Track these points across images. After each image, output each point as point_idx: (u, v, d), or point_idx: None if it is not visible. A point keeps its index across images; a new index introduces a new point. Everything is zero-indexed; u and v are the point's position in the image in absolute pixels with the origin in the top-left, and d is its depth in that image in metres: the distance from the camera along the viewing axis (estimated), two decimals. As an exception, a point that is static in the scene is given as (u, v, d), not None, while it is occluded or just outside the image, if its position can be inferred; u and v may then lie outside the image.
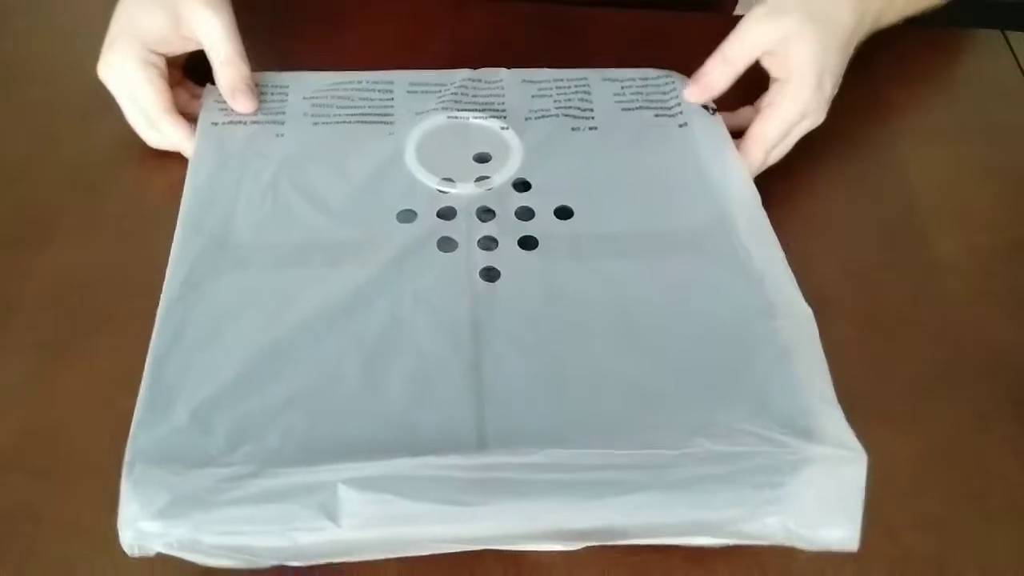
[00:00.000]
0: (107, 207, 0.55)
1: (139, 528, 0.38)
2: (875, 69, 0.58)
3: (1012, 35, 0.69)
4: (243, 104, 0.54)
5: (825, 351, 0.47)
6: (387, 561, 0.41)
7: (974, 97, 0.66)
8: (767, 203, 0.51)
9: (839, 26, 0.55)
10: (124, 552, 0.41)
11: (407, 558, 0.41)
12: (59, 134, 0.59)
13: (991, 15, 0.70)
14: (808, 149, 0.57)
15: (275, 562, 0.39)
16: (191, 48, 0.56)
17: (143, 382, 0.42)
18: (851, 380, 0.49)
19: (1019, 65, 0.67)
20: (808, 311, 0.45)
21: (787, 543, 0.40)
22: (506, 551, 0.41)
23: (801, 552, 0.41)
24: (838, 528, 0.40)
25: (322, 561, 0.40)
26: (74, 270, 0.51)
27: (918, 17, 0.63)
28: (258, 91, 0.55)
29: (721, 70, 0.55)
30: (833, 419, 0.41)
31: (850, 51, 0.57)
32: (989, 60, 0.68)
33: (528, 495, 0.39)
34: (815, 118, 0.56)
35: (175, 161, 0.55)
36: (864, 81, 0.58)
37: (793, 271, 0.47)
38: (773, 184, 0.54)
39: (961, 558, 0.43)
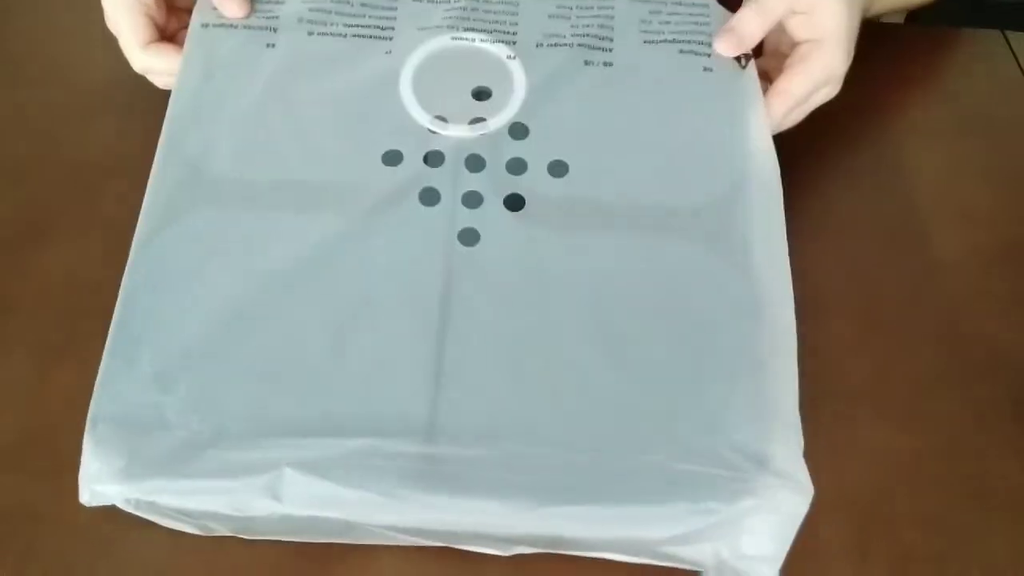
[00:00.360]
0: (107, 207, 0.55)
1: (95, 489, 0.40)
2: (875, 68, 0.58)
3: (1012, 35, 0.69)
4: (231, 8, 0.52)
5: (825, 350, 0.47)
6: (382, 556, 0.41)
7: (974, 97, 0.66)
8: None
9: None
10: (124, 552, 0.41)
11: (401, 553, 0.41)
12: (59, 134, 0.59)
13: (991, 15, 0.70)
14: (808, 148, 0.57)
15: (227, 532, 0.40)
16: None
17: (112, 328, 0.42)
18: (851, 379, 0.49)
19: (1019, 65, 0.67)
20: (792, 320, 0.44)
21: (715, 572, 0.39)
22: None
23: (804, 553, 0.41)
24: (765, 563, 0.39)
25: (271, 538, 0.41)
26: (74, 270, 0.51)
27: (914, 14, 0.63)
28: None
29: (756, 21, 0.51)
30: (789, 446, 0.40)
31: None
32: (989, 60, 0.68)
33: (466, 494, 0.39)
34: (834, 87, 0.54)
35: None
36: (864, 80, 0.58)
37: (793, 271, 0.47)
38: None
39: (961, 557, 0.43)
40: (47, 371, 0.47)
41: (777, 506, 0.39)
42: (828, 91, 0.54)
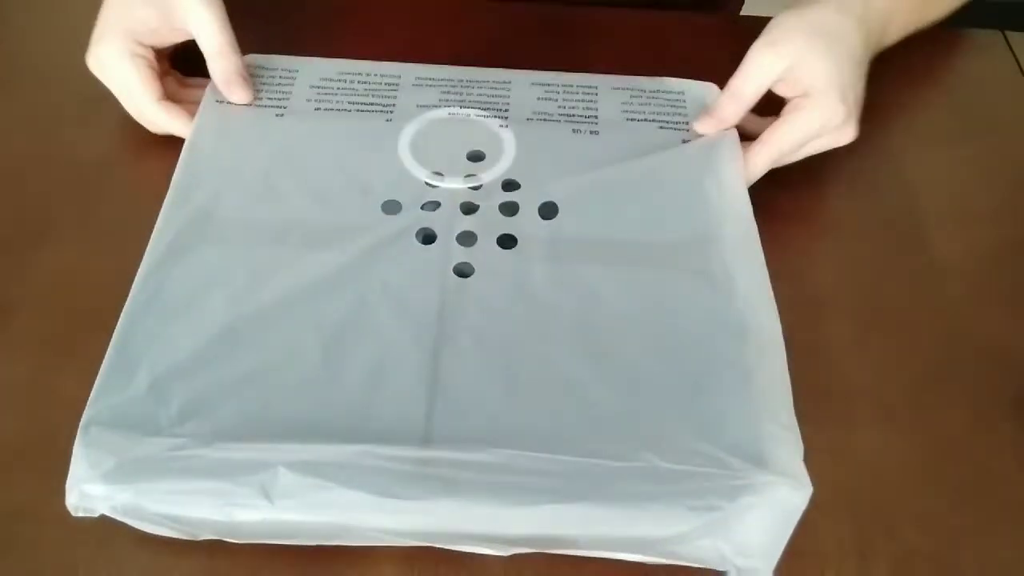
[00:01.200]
0: (107, 207, 0.55)
1: (84, 490, 0.39)
2: (875, 69, 0.58)
3: (1012, 35, 0.69)
4: (238, 95, 0.55)
5: (825, 350, 0.47)
6: (382, 561, 0.41)
7: (974, 97, 0.66)
8: (767, 203, 0.51)
9: (847, 39, 0.54)
10: (124, 552, 0.41)
11: (402, 554, 0.41)
12: (59, 134, 0.59)
13: (991, 15, 0.70)
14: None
15: (213, 536, 0.40)
16: (181, 39, 0.57)
17: (111, 344, 0.43)
18: (851, 380, 0.49)
19: (1019, 65, 0.67)
20: (778, 331, 0.45)
21: (720, 567, 0.40)
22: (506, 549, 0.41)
23: (804, 553, 0.41)
24: (762, 559, 0.39)
25: (258, 541, 0.41)
26: (74, 270, 0.51)
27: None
28: (252, 81, 0.56)
29: (732, 107, 0.54)
30: (786, 446, 0.41)
31: (865, 68, 0.56)
32: (989, 60, 0.68)
33: (462, 494, 0.39)
34: (838, 136, 0.55)
35: (175, 160, 0.55)
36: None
37: (793, 271, 0.47)
38: (773, 184, 0.54)
39: (961, 557, 0.43)
40: (47, 371, 0.47)
41: (776, 503, 0.39)
42: (829, 140, 0.55)
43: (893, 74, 0.64)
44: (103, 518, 0.40)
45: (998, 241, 0.56)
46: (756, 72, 0.54)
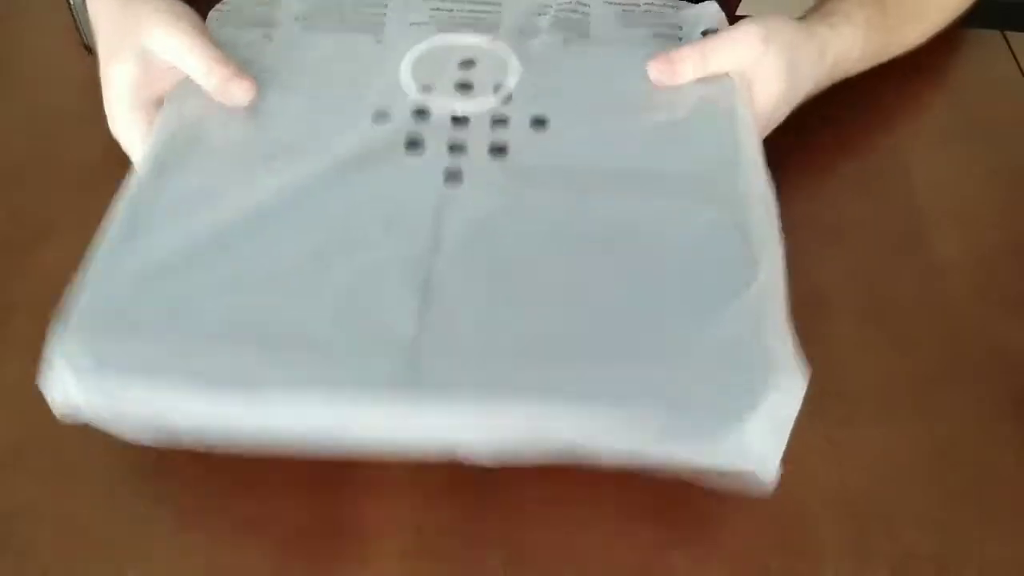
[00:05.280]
0: (107, 207, 0.55)
1: (65, 390, 0.39)
2: (875, 69, 0.58)
3: (1012, 35, 0.69)
4: (240, 95, 0.51)
5: (827, 350, 0.47)
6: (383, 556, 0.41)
7: (974, 97, 0.66)
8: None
9: (802, 68, 0.55)
10: (124, 552, 0.41)
11: (401, 555, 0.41)
12: (59, 135, 0.59)
13: (991, 15, 0.70)
14: (809, 149, 0.57)
15: (197, 445, 0.40)
16: (176, 75, 0.52)
17: (100, 248, 0.43)
18: (852, 379, 0.49)
19: (1019, 65, 0.67)
20: (779, 249, 0.45)
21: (729, 469, 0.39)
22: (507, 543, 0.41)
23: (804, 553, 0.41)
24: (768, 461, 0.39)
25: (243, 451, 0.40)
26: (74, 270, 0.51)
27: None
28: (244, 73, 0.51)
29: (692, 68, 0.52)
30: (787, 348, 0.41)
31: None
32: (989, 60, 0.68)
33: (453, 397, 0.39)
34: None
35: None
36: (864, 80, 0.58)
37: (794, 271, 0.47)
38: (774, 184, 0.54)
39: (961, 558, 0.43)
40: (47, 371, 0.47)
41: (778, 405, 0.39)
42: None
43: (894, 74, 0.64)
44: (101, 519, 0.40)
45: (998, 241, 0.56)
46: (732, 54, 0.52)
